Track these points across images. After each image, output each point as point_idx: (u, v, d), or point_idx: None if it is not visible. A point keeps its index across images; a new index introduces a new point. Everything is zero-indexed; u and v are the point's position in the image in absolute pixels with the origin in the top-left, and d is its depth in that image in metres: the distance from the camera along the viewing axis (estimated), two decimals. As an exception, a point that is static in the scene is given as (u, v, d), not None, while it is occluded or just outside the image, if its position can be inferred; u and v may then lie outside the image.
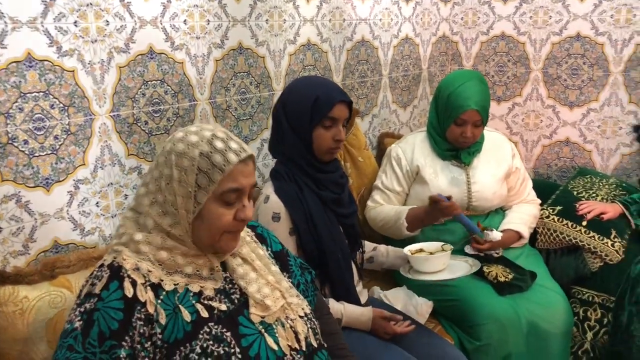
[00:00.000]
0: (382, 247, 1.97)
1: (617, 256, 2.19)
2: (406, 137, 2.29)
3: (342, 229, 1.76)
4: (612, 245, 2.20)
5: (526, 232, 2.16)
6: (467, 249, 2.08)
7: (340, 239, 1.72)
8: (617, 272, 2.15)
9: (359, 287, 1.84)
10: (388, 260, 1.95)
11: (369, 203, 2.23)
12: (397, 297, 2.01)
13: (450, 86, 2.08)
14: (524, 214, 2.21)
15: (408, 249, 1.90)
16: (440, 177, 2.12)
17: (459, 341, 1.93)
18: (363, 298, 1.84)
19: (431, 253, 1.89)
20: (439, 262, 1.84)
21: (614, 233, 2.23)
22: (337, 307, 1.62)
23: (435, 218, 1.99)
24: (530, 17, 2.88)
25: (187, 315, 1.10)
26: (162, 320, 1.08)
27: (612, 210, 2.30)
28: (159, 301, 1.10)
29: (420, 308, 1.95)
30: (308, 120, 1.61)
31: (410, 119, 3.03)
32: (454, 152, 2.14)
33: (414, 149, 2.19)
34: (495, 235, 2.04)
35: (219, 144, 1.13)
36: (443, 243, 1.93)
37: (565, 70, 2.84)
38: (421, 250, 1.92)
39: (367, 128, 2.72)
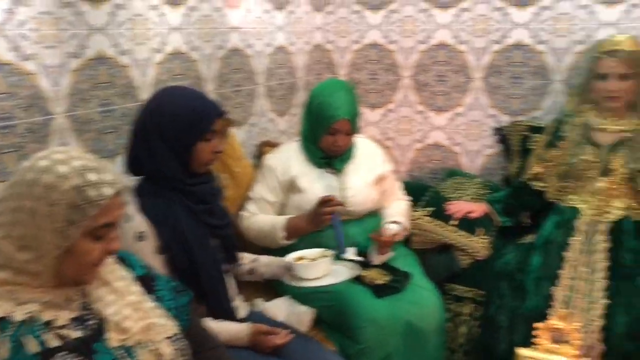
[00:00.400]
0: (263, 258, 1.95)
1: (483, 252, 2.32)
2: (280, 147, 2.30)
3: (217, 242, 1.71)
4: (479, 241, 2.33)
5: (405, 223, 2.25)
6: (346, 255, 2.11)
7: (214, 252, 1.67)
8: (485, 268, 2.28)
9: (238, 301, 1.81)
10: (270, 270, 1.93)
11: (243, 213, 2.21)
12: (279, 308, 1.99)
13: (320, 96, 2.11)
14: (399, 209, 2.31)
15: (290, 257, 1.90)
16: (316, 185, 2.15)
17: (340, 347, 1.94)
18: (243, 312, 1.80)
19: (313, 259, 1.89)
20: (322, 268, 1.85)
21: (480, 230, 2.36)
22: (213, 327, 1.57)
23: (316, 225, 2.01)
24: (399, 26, 3.00)
25: (33, 347, 1.01)
26: (5, 354, 0.99)
27: (478, 209, 2.44)
28: (4, 335, 1.00)
29: (302, 317, 1.95)
30: (188, 135, 1.57)
31: (289, 127, 3.04)
32: (327, 159, 2.17)
33: (289, 158, 2.20)
34: (392, 228, 2.12)
35: (92, 176, 1.06)
36: (324, 249, 1.94)
37: (433, 77, 2.99)
38: (302, 258, 1.92)
39: (246, 137, 2.69)
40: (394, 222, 2.21)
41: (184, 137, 1.57)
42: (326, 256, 1.88)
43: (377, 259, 2.12)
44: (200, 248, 1.59)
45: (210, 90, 2.44)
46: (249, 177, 2.33)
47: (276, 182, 2.18)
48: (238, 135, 2.60)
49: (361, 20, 3.09)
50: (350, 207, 2.15)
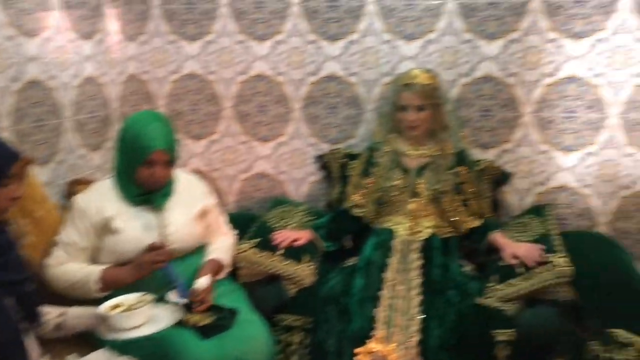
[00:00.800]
0: (73, 310, 1.78)
1: (310, 279, 2.36)
2: (92, 186, 2.14)
3: (13, 300, 1.51)
4: (306, 269, 2.36)
5: (226, 261, 2.20)
6: (171, 297, 2.01)
7: (8, 313, 1.47)
8: (312, 294, 2.31)
9: (44, 362, 1.61)
10: (81, 323, 1.77)
11: (49, 261, 2.00)
12: (97, 363, 1.82)
13: (134, 127, 2.01)
14: (222, 245, 2.26)
15: (104, 307, 1.75)
16: (132, 224, 2.02)
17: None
18: (52, 373, 1.61)
19: (131, 306, 1.77)
20: (141, 316, 1.74)
21: (306, 257, 2.40)
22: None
23: (140, 274, 1.92)
24: (217, 57, 2.99)
25: None
26: None
27: (303, 236, 2.49)
28: None
29: (123, 369, 1.81)
30: None
31: (104, 162, 2.84)
32: (144, 196, 2.06)
33: (102, 197, 2.05)
34: (202, 283, 2.02)
35: None
36: (142, 293, 1.81)
37: (254, 108, 3.01)
38: (118, 306, 1.78)
39: (52, 176, 2.46)
40: (210, 259, 2.15)
41: None
42: (144, 301, 1.76)
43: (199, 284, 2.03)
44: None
45: (5, 126, 2.19)
46: (54, 220, 2.12)
47: (88, 224, 2.01)
48: (43, 174, 2.37)
49: (178, 50, 3.02)
50: (171, 244, 2.05)
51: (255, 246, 2.38)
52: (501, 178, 2.76)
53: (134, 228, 2.01)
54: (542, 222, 2.48)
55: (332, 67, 2.88)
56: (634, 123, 2.64)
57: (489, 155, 2.81)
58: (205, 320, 1.95)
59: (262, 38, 2.92)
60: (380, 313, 2.09)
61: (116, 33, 2.90)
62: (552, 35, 2.64)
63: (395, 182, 2.42)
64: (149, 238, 2.00)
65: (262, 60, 2.94)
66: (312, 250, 2.46)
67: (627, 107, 2.64)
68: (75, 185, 2.50)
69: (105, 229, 2.02)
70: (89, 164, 2.73)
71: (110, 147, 2.87)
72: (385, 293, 2.15)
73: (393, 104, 2.45)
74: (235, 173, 3.11)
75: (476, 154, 2.76)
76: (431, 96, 2.39)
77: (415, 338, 2.02)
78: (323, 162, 2.94)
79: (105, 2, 2.80)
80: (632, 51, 2.57)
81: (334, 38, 2.85)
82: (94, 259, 2.05)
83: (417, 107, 2.37)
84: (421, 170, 2.44)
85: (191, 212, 2.14)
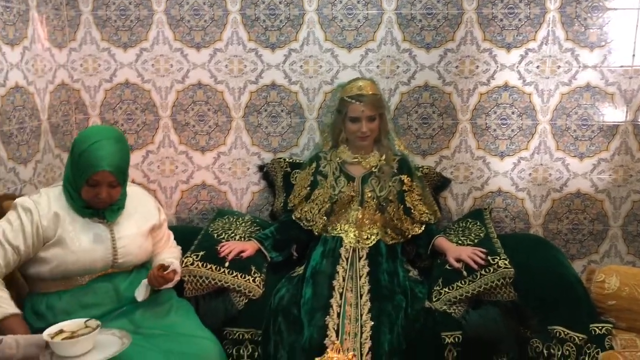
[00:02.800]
0: (9, 338, 1.67)
1: (258, 290, 2.33)
2: (39, 191, 2.03)
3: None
4: (253, 280, 2.34)
5: (179, 268, 2.17)
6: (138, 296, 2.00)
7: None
8: (261, 306, 2.29)
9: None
10: (19, 352, 1.66)
11: None
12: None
13: (83, 144, 1.94)
14: (172, 255, 2.24)
15: (47, 334, 1.66)
16: (82, 235, 1.96)
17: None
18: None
19: (73, 332, 1.68)
20: (87, 343, 1.66)
21: (253, 269, 2.38)
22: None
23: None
24: (152, 65, 2.91)
25: None
26: None
27: (250, 247, 2.46)
28: None
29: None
30: None
31: (34, 175, 2.70)
32: (94, 209, 2.00)
33: (50, 204, 1.97)
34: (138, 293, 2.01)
35: None
36: (86, 319, 1.75)
37: (193, 117, 2.96)
38: (61, 332, 1.69)
39: (-23, 192, 2.31)
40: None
41: None
42: (89, 327, 1.69)
43: (140, 295, 2.02)
44: None
45: None
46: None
47: (32, 226, 1.91)
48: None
49: (111, 57, 2.92)
50: (120, 258, 2.02)
51: (200, 259, 2.33)
52: (441, 184, 2.84)
53: (83, 239, 1.97)
54: (481, 225, 2.57)
55: (273, 76, 2.87)
56: (562, 129, 2.80)
57: (428, 161, 2.89)
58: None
59: (199, 46, 2.88)
60: (331, 322, 2.09)
61: (44, 40, 2.76)
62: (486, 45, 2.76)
63: (343, 190, 2.44)
64: (99, 250, 1.98)
65: (200, 68, 2.90)
66: (259, 262, 2.44)
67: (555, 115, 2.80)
68: (4, 200, 2.36)
69: (51, 237, 1.94)
70: (18, 178, 2.58)
71: (39, 160, 2.75)
72: (334, 301, 2.16)
73: (341, 115, 2.46)
74: (175, 184, 3.04)
75: (416, 160, 2.84)
76: (379, 106, 2.43)
77: (368, 344, 2.03)
78: (265, 171, 2.92)
79: (32, 7, 2.67)
80: (559, 60, 2.73)
81: (272, 46, 2.85)
82: (23, 265, 1.97)
83: (369, 117, 2.40)
84: (366, 178, 2.47)
85: (142, 227, 2.12)
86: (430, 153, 2.90)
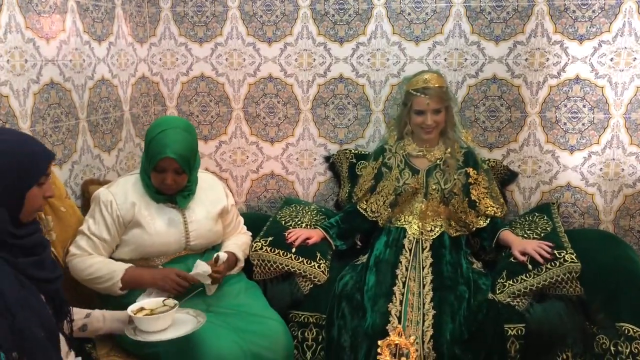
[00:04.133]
0: (97, 313, 1.84)
1: (323, 276, 2.42)
2: (117, 181, 2.20)
3: (44, 298, 1.56)
4: (319, 267, 2.42)
5: (241, 255, 2.27)
6: (197, 267, 2.09)
7: (43, 312, 1.52)
8: (325, 291, 2.37)
9: (70, 358, 1.66)
10: (106, 325, 1.83)
11: (73, 249, 2.06)
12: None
13: (153, 132, 2.07)
14: (238, 241, 2.34)
15: (130, 310, 1.81)
16: (157, 220, 2.10)
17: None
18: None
19: (152, 310, 1.82)
20: (167, 320, 1.79)
21: (319, 255, 2.46)
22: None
23: (159, 284, 2.01)
24: (226, 59, 3.04)
25: None
26: None
27: (315, 234, 2.54)
28: None
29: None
30: (21, 182, 1.45)
31: (116, 163, 2.89)
32: (166, 196, 2.13)
33: (127, 192, 2.11)
34: (224, 256, 2.14)
35: None
36: (164, 298, 1.89)
37: (263, 109, 3.06)
38: (142, 309, 1.84)
39: (68, 176, 2.51)
40: (226, 252, 2.21)
41: (17, 185, 1.44)
42: (168, 305, 1.83)
43: (209, 290, 2.13)
44: (27, 312, 1.43)
45: (25, 128, 2.24)
46: (75, 217, 2.18)
47: (112, 217, 2.08)
48: (60, 174, 2.42)
49: (188, 52, 3.07)
50: (192, 241, 2.14)
51: (268, 244, 2.42)
52: (508, 177, 2.83)
53: (158, 223, 2.09)
54: (548, 219, 2.54)
55: (340, 69, 2.94)
56: (637, 123, 2.72)
57: (495, 155, 2.88)
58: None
59: (270, 40, 2.97)
60: (394, 308, 2.14)
61: (128, 35, 2.95)
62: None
63: (408, 182, 2.47)
64: (173, 234, 2.10)
65: (272, 62, 3.00)
66: (324, 249, 2.52)
67: (629, 108, 2.72)
68: (89, 185, 2.56)
69: (130, 221, 2.09)
70: (102, 165, 2.78)
71: (121, 148, 2.94)
72: (397, 289, 2.21)
73: (407, 108, 2.48)
74: (245, 173, 3.16)
75: (483, 153, 2.83)
76: (445, 99, 2.44)
77: (430, 332, 2.08)
78: (331, 162, 2.99)
79: (117, 5, 2.86)
80: (635, 52, 2.65)
81: (340, 40, 2.91)
82: (115, 251, 2.13)
83: (434, 110, 2.41)
84: (431, 170, 2.49)
85: (212, 211, 2.22)
86: (498, 146, 2.87)
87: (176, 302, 1.87)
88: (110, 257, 2.13)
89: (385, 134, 2.73)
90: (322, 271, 2.41)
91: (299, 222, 2.65)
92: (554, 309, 2.15)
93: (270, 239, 2.46)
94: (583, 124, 2.77)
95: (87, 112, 2.64)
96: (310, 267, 2.40)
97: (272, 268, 2.40)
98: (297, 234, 2.50)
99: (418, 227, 2.46)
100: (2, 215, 1.43)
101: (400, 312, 2.12)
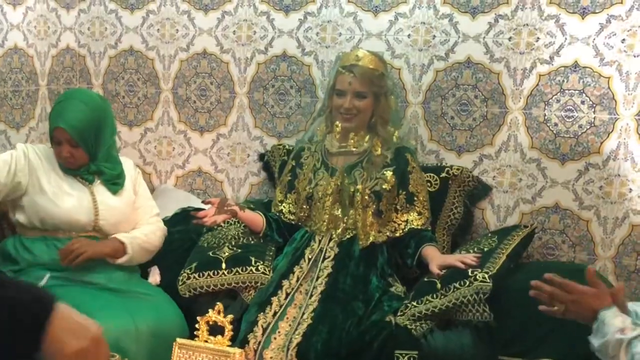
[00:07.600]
0: None
1: (266, 277, 2.21)
2: (37, 144, 2.27)
3: None
4: (257, 269, 2.21)
5: (129, 243, 2.17)
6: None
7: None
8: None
9: None
10: None
11: None
12: None
13: (55, 103, 2.17)
14: (144, 229, 2.27)
15: None
16: (63, 193, 2.11)
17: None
18: None
19: None
20: None
21: (253, 260, 2.22)
22: None
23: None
24: (158, 29, 2.79)
25: None
26: None
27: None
28: None
29: None
30: None
31: (26, 141, 2.68)
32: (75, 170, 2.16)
33: (42, 155, 2.15)
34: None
35: None
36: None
37: (194, 91, 2.81)
38: None
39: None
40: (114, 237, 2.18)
41: None
42: None
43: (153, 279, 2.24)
44: None
45: None
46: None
47: (15, 166, 2.06)
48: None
49: (117, 20, 2.85)
50: (102, 220, 2.15)
51: (194, 271, 2.20)
52: (478, 191, 2.44)
53: (65, 197, 2.11)
54: (499, 240, 2.19)
55: (285, 44, 2.64)
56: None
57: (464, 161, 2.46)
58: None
59: (206, 9, 2.69)
60: (262, 319, 2.04)
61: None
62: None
63: (319, 185, 2.29)
64: (80, 210, 2.11)
65: (206, 34, 2.72)
66: (259, 250, 2.31)
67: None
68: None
69: (34, 184, 2.11)
70: (9, 143, 2.60)
71: (33, 127, 2.75)
72: (275, 300, 2.11)
73: (331, 88, 2.29)
74: (170, 168, 2.91)
75: (449, 159, 2.45)
76: (376, 85, 2.22)
77: (296, 340, 1.95)
78: (266, 160, 2.69)
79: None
80: None
81: (286, 10, 2.60)
82: (11, 211, 2.16)
83: (356, 92, 2.20)
84: (350, 170, 2.27)
85: (123, 195, 2.23)
86: (468, 150, 2.46)
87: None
88: (10, 221, 2.19)
89: (315, 124, 2.44)
90: (262, 272, 2.21)
91: (225, 240, 2.35)
92: (457, 338, 1.97)
93: (194, 264, 2.23)
94: (580, 126, 2.30)
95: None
96: (248, 274, 2.19)
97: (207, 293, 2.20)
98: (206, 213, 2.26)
99: (324, 234, 2.27)
100: None
101: (270, 323, 2.03)
